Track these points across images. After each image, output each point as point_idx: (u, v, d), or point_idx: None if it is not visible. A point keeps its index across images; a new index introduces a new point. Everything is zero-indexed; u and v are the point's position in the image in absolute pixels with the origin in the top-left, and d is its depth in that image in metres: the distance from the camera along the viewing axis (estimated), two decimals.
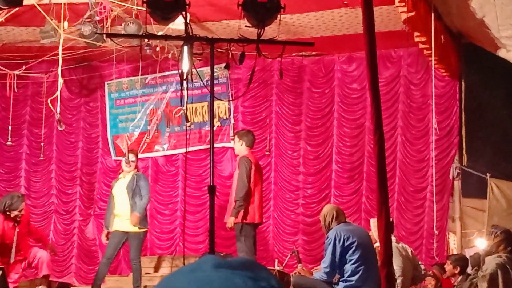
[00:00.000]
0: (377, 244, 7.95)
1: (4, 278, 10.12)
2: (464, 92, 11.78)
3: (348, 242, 8.11)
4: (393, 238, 8.32)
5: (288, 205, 12.70)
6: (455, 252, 11.83)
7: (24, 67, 12.48)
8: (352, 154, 12.40)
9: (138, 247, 10.54)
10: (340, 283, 8.18)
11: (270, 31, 6.63)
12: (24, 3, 8.35)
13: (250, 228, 10.03)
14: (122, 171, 10.69)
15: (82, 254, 13.23)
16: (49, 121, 13.20)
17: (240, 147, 10.32)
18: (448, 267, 10.31)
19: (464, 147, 11.71)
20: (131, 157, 10.65)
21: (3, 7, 8.03)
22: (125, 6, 9.60)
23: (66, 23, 9.59)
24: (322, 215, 8.57)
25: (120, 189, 10.50)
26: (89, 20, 9.85)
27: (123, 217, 10.38)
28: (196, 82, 11.85)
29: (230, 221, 9.90)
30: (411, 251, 9.86)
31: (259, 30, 6.08)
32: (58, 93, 10.10)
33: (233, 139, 11.37)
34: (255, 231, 10.18)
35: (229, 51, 6.68)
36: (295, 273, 9.29)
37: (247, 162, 10.04)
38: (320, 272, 8.34)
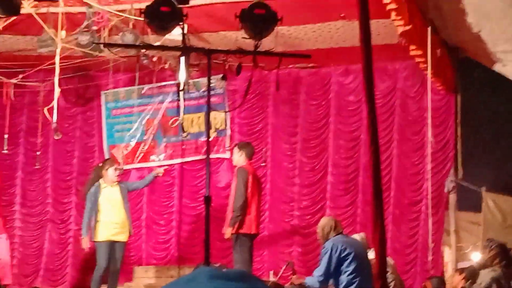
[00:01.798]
0: (371, 257, 7.96)
1: None
2: (460, 106, 11.81)
3: (345, 253, 8.11)
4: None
5: (283, 216, 12.69)
6: (450, 266, 11.81)
7: (21, 76, 12.48)
8: (348, 166, 12.40)
9: (123, 258, 10.64)
10: None
11: (267, 43, 6.65)
12: (22, 12, 8.35)
13: (246, 239, 10.03)
14: (103, 178, 10.57)
15: (77, 264, 13.19)
16: (46, 130, 13.18)
17: (239, 158, 10.34)
18: (457, 277, 10.21)
19: (459, 160, 11.73)
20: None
21: (0, 15, 8.04)
22: (122, 16, 9.62)
23: (63, 32, 9.61)
24: (320, 227, 8.57)
25: (110, 198, 10.47)
26: (86, 29, 9.87)
27: (113, 226, 10.35)
28: (192, 92, 11.95)
29: (227, 232, 9.91)
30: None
31: (256, 42, 6.11)
32: (54, 102, 10.10)
33: (231, 150, 11.34)
34: (251, 242, 10.17)
35: (226, 62, 6.71)
36: (290, 284, 9.27)
37: (244, 172, 10.05)
38: (313, 278, 8.32)
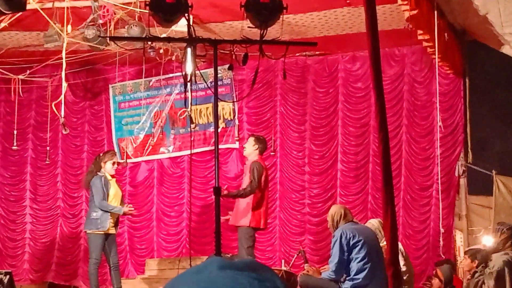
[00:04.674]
0: (383, 243, 7.95)
1: (12, 283, 10.14)
2: (469, 89, 11.77)
3: (354, 240, 8.11)
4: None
5: (294, 205, 12.69)
6: (462, 250, 11.81)
7: (28, 72, 12.50)
8: (357, 153, 12.39)
9: (117, 249, 10.73)
10: (347, 281, 8.18)
11: (273, 32, 6.63)
12: (28, 7, 8.35)
13: (254, 233, 10.14)
14: (103, 170, 10.57)
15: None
16: (54, 125, 13.21)
17: (253, 151, 10.33)
18: (466, 261, 10.20)
19: (469, 144, 11.69)
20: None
21: (6, 12, 8.03)
22: (128, 9, 9.61)
23: (69, 27, 9.61)
24: (329, 215, 8.56)
25: (114, 192, 10.49)
26: (92, 23, 9.87)
27: (111, 220, 10.37)
28: (200, 83, 11.93)
29: (225, 193, 9.85)
30: None
31: (262, 31, 6.08)
32: (62, 96, 10.12)
33: (247, 139, 11.28)
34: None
35: (233, 52, 6.69)
36: (302, 273, 9.28)
37: (259, 167, 10.09)
38: (328, 271, 8.34)
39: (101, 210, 10.27)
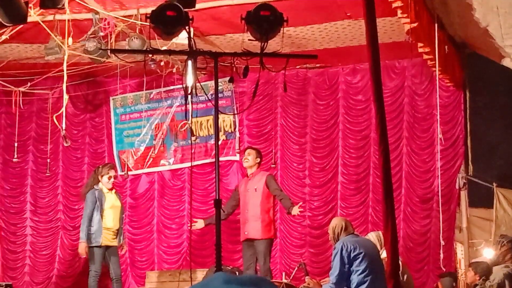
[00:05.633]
0: (383, 256, 7.93)
1: None
2: (469, 102, 11.77)
3: (355, 253, 8.09)
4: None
5: (294, 217, 12.66)
6: (462, 263, 11.78)
7: (29, 84, 12.51)
8: (358, 165, 12.38)
9: (119, 261, 10.70)
10: None
11: (273, 44, 6.64)
12: (28, 20, 8.38)
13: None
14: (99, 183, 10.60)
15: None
16: (55, 137, 13.22)
17: (256, 163, 10.50)
18: (470, 274, 10.19)
19: (470, 157, 11.69)
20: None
21: (7, 24, 8.06)
22: (129, 21, 9.63)
23: (70, 39, 9.62)
24: (330, 228, 8.55)
25: (110, 204, 10.48)
26: (93, 36, 9.88)
27: (110, 232, 10.37)
28: (200, 96, 11.92)
29: (296, 208, 10.25)
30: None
31: (263, 44, 6.09)
32: (63, 109, 10.12)
33: (244, 151, 11.32)
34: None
35: (233, 65, 6.70)
36: (303, 286, 9.26)
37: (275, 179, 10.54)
38: (329, 283, 8.32)
39: (96, 224, 10.31)
